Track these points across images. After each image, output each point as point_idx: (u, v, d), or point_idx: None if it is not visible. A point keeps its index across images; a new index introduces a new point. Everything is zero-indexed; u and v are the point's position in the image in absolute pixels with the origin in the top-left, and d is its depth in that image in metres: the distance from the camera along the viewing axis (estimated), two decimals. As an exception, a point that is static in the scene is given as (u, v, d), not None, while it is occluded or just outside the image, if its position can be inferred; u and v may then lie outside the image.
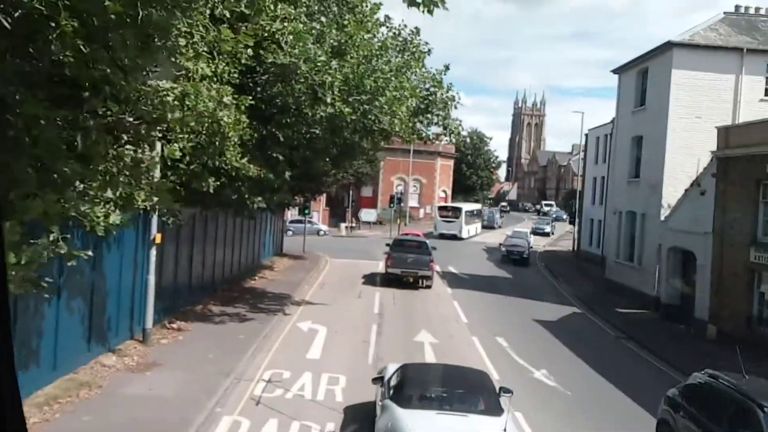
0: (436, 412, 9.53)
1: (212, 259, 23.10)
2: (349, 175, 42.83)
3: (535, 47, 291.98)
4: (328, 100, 15.77)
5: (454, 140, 20.40)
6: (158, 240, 15.58)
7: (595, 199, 52.08)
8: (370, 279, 32.38)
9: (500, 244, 49.57)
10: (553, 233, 73.63)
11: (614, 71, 35.40)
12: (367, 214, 72.92)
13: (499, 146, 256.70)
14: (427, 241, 34.88)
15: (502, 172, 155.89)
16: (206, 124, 10.92)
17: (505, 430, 8.93)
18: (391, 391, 10.32)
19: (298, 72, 15.84)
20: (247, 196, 16.84)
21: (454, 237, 58.11)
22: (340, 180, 39.49)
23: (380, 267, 38.01)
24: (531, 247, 50.96)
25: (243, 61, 13.25)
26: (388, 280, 30.67)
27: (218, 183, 14.07)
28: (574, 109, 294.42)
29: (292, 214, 59.24)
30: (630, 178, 32.36)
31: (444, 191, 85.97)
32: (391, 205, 62.93)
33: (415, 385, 10.31)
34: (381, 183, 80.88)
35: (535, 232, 68.43)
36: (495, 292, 31.66)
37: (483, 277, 37.14)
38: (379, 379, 11.41)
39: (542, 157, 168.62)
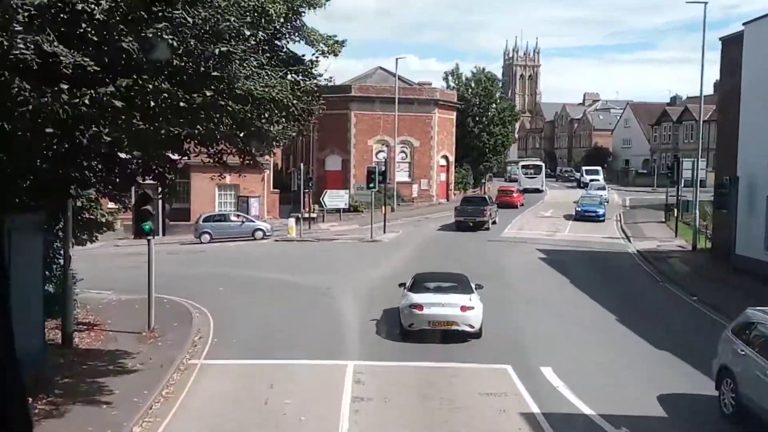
0: (432, 293, 16.72)
1: None
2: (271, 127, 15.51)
3: (504, 10, 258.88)
4: None
5: None
6: None
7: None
8: None
9: None
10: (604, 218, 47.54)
11: None
12: (335, 198, 46.88)
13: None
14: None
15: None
16: None
17: (470, 299, 16.27)
18: (408, 287, 17.26)
19: None
20: None
21: (536, 191, 65.31)
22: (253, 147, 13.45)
23: None
24: None
25: None
26: None
27: None
28: (555, 68, 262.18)
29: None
30: None
31: (445, 157, 59.44)
32: (371, 185, 37.00)
33: (421, 282, 17.41)
34: (353, 150, 54.30)
35: (583, 217, 44.24)
36: None
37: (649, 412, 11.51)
38: (402, 285, 17.86)
39: (548, 111, 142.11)
